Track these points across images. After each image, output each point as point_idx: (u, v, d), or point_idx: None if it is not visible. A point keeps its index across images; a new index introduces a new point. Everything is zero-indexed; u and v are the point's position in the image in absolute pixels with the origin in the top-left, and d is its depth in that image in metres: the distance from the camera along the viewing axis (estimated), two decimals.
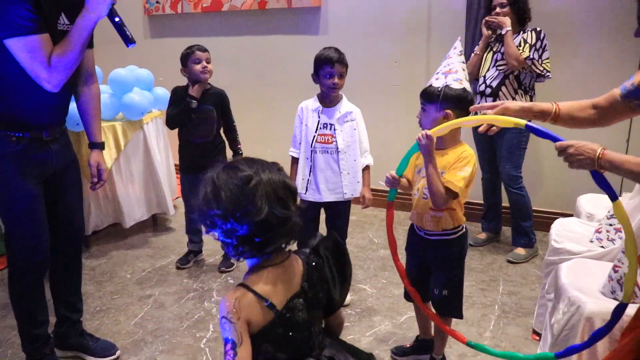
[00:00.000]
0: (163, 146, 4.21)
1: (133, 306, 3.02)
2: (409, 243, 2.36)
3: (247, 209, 1.27)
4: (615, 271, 2.09)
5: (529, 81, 3.42)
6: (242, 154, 3.43)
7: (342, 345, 1.50)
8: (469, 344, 2.13)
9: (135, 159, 3.92)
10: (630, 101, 1.77)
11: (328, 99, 2.88)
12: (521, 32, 3.39)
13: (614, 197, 1.76)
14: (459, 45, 2.27)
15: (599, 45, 3.69)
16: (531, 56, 3.29)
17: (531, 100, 3.37)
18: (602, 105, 1.88)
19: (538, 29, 3.35)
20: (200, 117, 3.25)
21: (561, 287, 2.23)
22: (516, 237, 3.62)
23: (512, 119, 1.86)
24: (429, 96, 2.17)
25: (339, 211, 2.98)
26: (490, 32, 3.47)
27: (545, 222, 3.60)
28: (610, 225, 2.56)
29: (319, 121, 2.87)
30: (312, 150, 2.87)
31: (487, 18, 3.44)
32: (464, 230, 2.23)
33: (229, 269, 3.43)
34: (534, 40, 3.31)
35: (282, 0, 4.62)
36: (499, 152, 3.50)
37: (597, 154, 1.68)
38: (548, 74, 3.35)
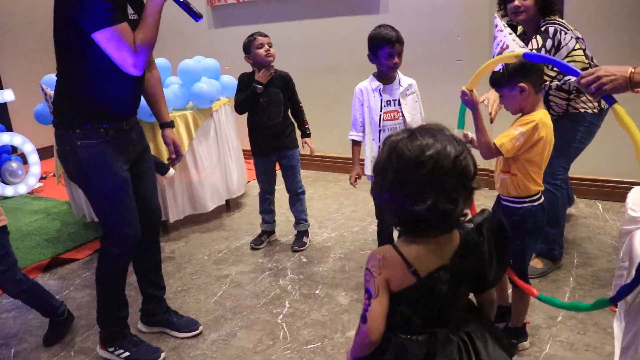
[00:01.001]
0: (232, 132, 4.34)
1: (212, 285, 3.16)
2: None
3: (411, 192, 1.28)
4: None
5: (568, 86, 2.88)
6: (310, 133, 3.51)
7: (485, 326, 1.49)
8: (539, 298, 2.13)
9: (207, 145, 4.07)
10: None
11: (387, 77, 2.89)
12: (536, 35, 2.83)
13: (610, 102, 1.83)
14: (499, 23, 2.26)
15: None
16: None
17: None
18: None
19: (551, 28, 2.78)
20: (267, 101, 3.35)
21: (635, 253, 2.19)
22: (539, 244, 2.88)
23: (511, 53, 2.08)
24: (497, 82, 2.19)
25: None
26: None
27: (621, 192, 3.50)
28: None
29: (381, 99, 2.88)
30: (379, 130, 2.89)
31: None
32: (530, 204, 2.22)
33: (302, 248, 3.53)
34: (539, 44, 2.77)
35: None
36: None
37: (629, 72, 1.74)
38: (559, 78, 2.84)
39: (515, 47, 2.19)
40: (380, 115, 2.88)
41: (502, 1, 2.99)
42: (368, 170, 2.92)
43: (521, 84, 2.11)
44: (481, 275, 1.44)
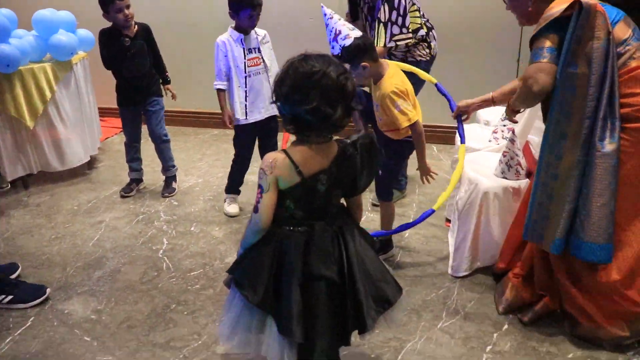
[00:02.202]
0: (91, 87, 4.32)
1: (87, 231, 3.25)
2: None
3: (301, 96, 1.58)
4: (504, 156, 2.58)
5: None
6: (170, 80, 3.70)
7: (353, 223, 1.85)
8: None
9: (70, 99, 4.02)
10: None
11: (245, 30, 3.16)
12: (383, 3, 3.16)
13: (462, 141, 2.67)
14: (326, 11, 2.60)
15: None
16: (392, 34, 3.19)
17: (427, 43, 3.36)
18: None
19: None
20: (133, 53, 3.45)
21: (463, 173, 2.70)
22: None
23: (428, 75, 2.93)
24: (349, 57, 2.49)
25: (271, 127, 3.35)
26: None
27: (453, 136, 4.08)
28: (504, 125, 3.05)
29: (244, 48, 3.16)
30: (245, 76, 3.15)
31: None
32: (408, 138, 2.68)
33: (172, 194, 3.71)
34: (387, 15, 3.15)
35: None
36: None
37: (490, 97, 2.62)
38: (412, 37, 3.23)
39: (346, 30, 2.52)
40: (245, 63, 3.14)
41: None
42: (238, 114, 3.18)
43: (363, 63, 2.48)
44: (353, 182, 1.79)
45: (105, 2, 3.36)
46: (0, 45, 3.49)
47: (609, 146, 2.00)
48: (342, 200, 1.86)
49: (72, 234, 3.23)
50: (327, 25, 2.57)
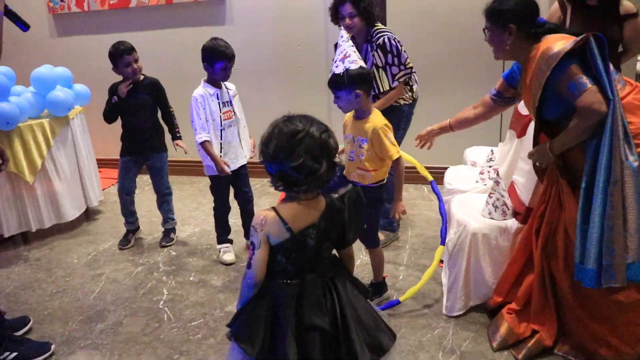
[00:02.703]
0: (88, 140, 4.43)
1: (88, 284, 3.31)
2: None
3: (287, 154, 1.67)
4: (490, 197, 2.68)
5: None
6: (180, 137, 3.79)
7: (345, 273, 1.92)
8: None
9: (66, 154, 4.13)
10: (499, 99, 2.70)
11: (217, 83, 3.30)
12: (369, 46, 3.36)
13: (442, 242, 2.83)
14: (344, 34, 2.71)
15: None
16: (393, 75, 3.34)
17: (411, 87, 3.49)
18: (481, 107, 2.86)
19: (380, 40, 3.30)
20: (136, 105, 3.58)
21: (452, 215, 2.80)
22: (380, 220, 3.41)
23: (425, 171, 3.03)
24: (336, 84, 2.57)
25: (242, 175, 3.48)
26: None
27: (441, 176, 4.19)
28: (490, 166, 3.16)
29: (219, 102, 3.29)
30: (221, 129, 3.28)
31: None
32: (382, 184, 2.73)
33: (170, 243, 3.79)
34: (383, 59, 3.31)
35: None
36: None
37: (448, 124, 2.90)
38: (412, 70, 3.39)
39: (355, 57, 2.63)
40: (220, 116, 3.27)
41: (335, 18, 3.45)
42: (208, 168, 3.36)
43: (358, 90, 2.56)
44: (342, 235, 1.87)
45: (115, 57, 3.51)
46: (1, 103, 3.60)
47: (634, 163, 2.08)
48: (335, 252, 1.95)
49: (73, 287, 3.29)
50: (339, 45, 2.64)
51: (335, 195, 1.86)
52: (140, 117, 3.63)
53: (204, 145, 3.23)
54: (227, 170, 3.24)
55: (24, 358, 2.60)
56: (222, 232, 3.55)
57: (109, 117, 3.61)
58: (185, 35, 5.06)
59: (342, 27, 2.89)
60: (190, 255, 3.62)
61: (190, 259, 3.56)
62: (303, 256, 1.80)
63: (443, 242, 2.82)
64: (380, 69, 3.34)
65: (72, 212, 4.18)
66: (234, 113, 3.34)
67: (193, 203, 4.60)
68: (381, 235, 3.52)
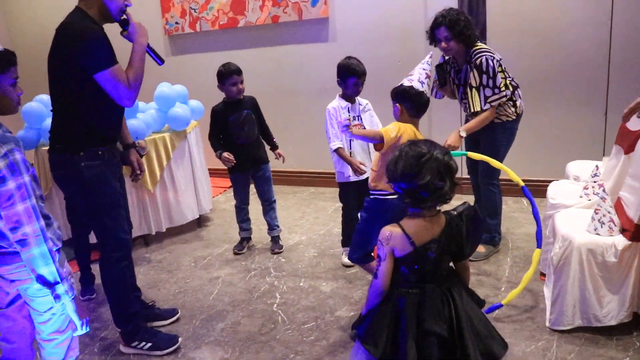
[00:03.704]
0: (202, 152, 4.79)
1: (206, 286, 3.61)
2: None
3: (415, 174, 1.87)
4: (596, 213, 2.72)
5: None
6: (277, 145, 4.04)
7: (462, 284, 2.07)
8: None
9: (182, 165, 4.50)
10: None
11: (350, 98, 3.54)
12: (468, 68, 3.43)
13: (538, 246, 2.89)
14: (427, 57, 2.83)
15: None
16: (485, 97, 3.36)
17: (513, 102, 3.50)
18: None
19: (478, 60, 3.34)
20: (243, 122, 3.86)
21: (557, 229, 2.87)
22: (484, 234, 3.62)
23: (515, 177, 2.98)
24: (391, 94, 2.78)
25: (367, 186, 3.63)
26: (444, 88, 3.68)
27: (543, 189, 4.21)
28: (595, 182, 3.19)
29: (349, 115, 3.51)
30: (350, 140, 3.51)
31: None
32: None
33: (281, 250, 4.05)
34: (478, 80, 3.35)
35: (293, 13, 5.23)
36: (482, 148, 3.53)
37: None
38: (506, 94, 3.39)
39: (415, 76, 2.73)
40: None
41: (432, 41, 3.55)
42: (346, 174, 3.58)
43: (397, 104, 2.74)
44: (459, 249, 2.02)
45: (223, 76, 3.81)
46: (131, 120, 3.98)
47: None
48: (451, 264, 2.09)
49: (193, 288, 3.59)
50: (423, 63, 2.82)
51: (454, 213, 2.02)
52: (248, 132, 3.89)
53: (337, 151, 3.47)
54: (364, 168, 3.41)
55: (157, 348, 2.90)
56: (347, 237, 3.75)
57: (214, 144, 3.92)
58: (290, 52, 5.35)
59: (432, 52, 3.02)
60: (299, 262, 3.85)
61: (299, 266, 3.79)
62: (424, 268, 1.96)
63: (539, 245, 2.89)
64: (474, 89, 3.39)
65: (186, 217, 4.54)
66: (363, 127, 3.53)
67: (298, 212, 4.85)
68: (482, 248, 3.63)
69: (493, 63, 3.34)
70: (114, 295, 2.91)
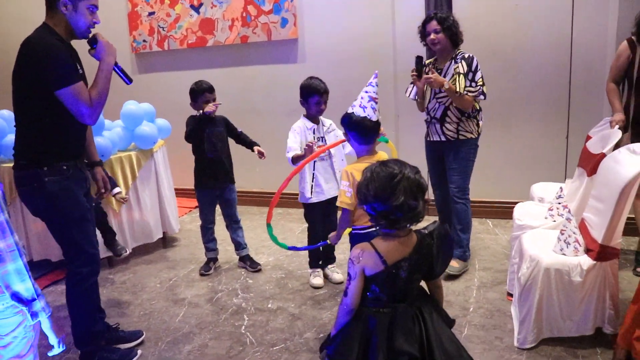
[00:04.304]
0: (168, 171, 4.73)
1: (172, 308, 3.54)
2: None
3: (389, 195, 1.85)
4: (562, 233, 2.78)
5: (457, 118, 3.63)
6: (257, 143, 3.99)
7: (432, 304, 2.06)
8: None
9: (148, 184, 4.43)
10: None
11: (315, 118, 3.56)
12: (452, 61, 3.61)
13: None
14: (371, 78, 2.75)
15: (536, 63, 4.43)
16: (466, 86, 3.51)
17: (477, 120, 3.66)
18: None
19: (467, 55, 3.56)
20: (216, 138, 3.84)
21: (524, 250, 2.91)
22: (455, 249, 3.71)
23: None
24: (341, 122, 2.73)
25: (332, 207, 3.66)
26: (419, 80, 3.64)
27: (507, 211, 4.29)
28: (559, 203, 3.25)
29: (314, 136, 3.53)
30: (315, 161, 3.49)
31: (424, 77, 3.54)
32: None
33: (258, 267, 4.04)
34: (465, 69, 3.53)
35: (262, 34, 5.24)
36: (450, 165, 3.69)
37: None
38: (481, 95, 3.56)
39: (357, 101, 2.66)
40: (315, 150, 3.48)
41: (423, 36, 3.71)
42: (307, 193, 3.58)
43: (347, 133, 2.69)
44: (431, 267, 2.03)
45: (196, 93, 3.80)
46: (97, 137, 3.91)
47: None
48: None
49: (159, 310, 3.52)
50: (367, 85, 2.72)
51: (425, 231, 2.02)
52: (219, 148, 3.87)
53: (294, 159, 3.40)
54: (314, 147, 3.35)
55: None
56: (314, 257, 3.77)
57: (191, 135, 3.81)
58: (259, 72, 5.35)
59: (376, 73, 3.03)
60: (267, 283, 3.80)
61: (267, 287, 3.75)
62: (395, 287, 1.95)
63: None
64: (461, 75, 3.53)
65: (151, 237, 4.47)
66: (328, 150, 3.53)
67: (264, 233, 4.80)
68: (456, 263, 3.70)
69: (477, 62, 3.57)
70: (78, 313, 2.84)
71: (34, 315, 1.85)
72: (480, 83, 3.55)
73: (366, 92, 2.68)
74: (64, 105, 2.54)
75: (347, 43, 5.00)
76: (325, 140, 3.58)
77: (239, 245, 4.09)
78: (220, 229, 4.14)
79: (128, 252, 3.98)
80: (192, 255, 4.40)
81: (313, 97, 3.49)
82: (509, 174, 4.69)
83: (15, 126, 2.68)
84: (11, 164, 2.73)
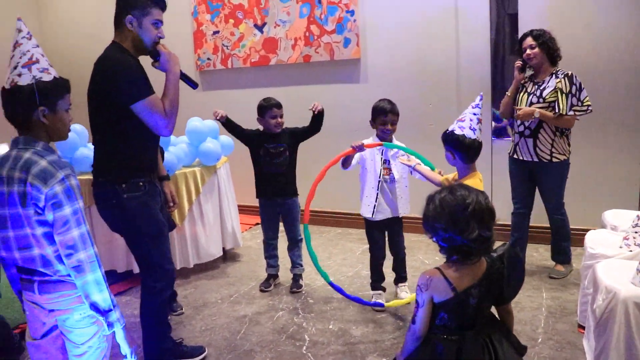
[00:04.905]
0: (231, 188, 4.78)
1: (233, 324, 3.55)
2: None
3: (462, 228, 1.79)
4: None
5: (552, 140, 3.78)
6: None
7: (502, 331, 1.99)
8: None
9: (211, 200, 4.49)
10: None
11: (385, 140, 3.52)
12: (553, 76, 3.74)
13: None
14: (477, 100, 2.81)
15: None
16: (571, 105, 3.65)
17: (568, 139, 3.82)
18: None
19: (569, 73, 3.69)
20: (276, 154, 3.86)
21: (599, 281, 2.78)
22: (556, 256, 4.04)
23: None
24: (442, 139, 2.79)
25: (396, 227, 3.68)
26: (522, 74, 3.88)
27: (577, 238, 4.15)
28: (636, 232, 3.11)
29: (382, 158, 3.51)
30: (379, 181, 3.50)
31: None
32: None
33: (300, 290, 4.01)
34: (568, 87, 3.64)
35: (325, 54, 5.27)
36: (544, 185, 3.88)
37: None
38: (589, 109, 3.70)
39: (467, 123, 2.74)
40: (381, 170, 3.51)
41: (520, 52, 3.88)
42: (366, 213, 3.60)
43: (449, 152, 2.74)
44: (500, 293, 1.96)
45: (265, 109, 3.84)
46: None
47: None
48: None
49: (220, 326, 3.53)
50: (474, 107, 2.79)
51: (495, 255, 1.95)
52: (278, 163, 3.88)
53: (343, 161, 3.51)
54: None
55: None
56: (376, 279, 3.73)
57: (240, 135, 3.97)
58: (321, 91, 5.36)
59: (481, 95, 3.04)
60: (327, 304, 3.77)
61: (328, 307, 3.72)
62: (464, 314, 1.90)
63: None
64: (564, 94, 3.67)
65: (212, 254, 4.50)
66: (391, 171, 3.54)
67: (324, 253, 4.79)
68: (561, 268, 4.01)
69: (580, 80, 3.71)
70: (150, 328, 2.88)
71: (110, 325, 1.89)
72: (588, 103, 3.69)
73: (474, 114, 2.75)
74: (139, 120, 2.60)
75: (410, 63, 4.97)
76: (389, 164, 3.55)
77: (293, 263, 4.08)
78: (283, 247, 4.14)
79: (182, 312, 3.86)
80: (253, 272, 4.42)
81: (380, 116, 3.49)
82: (579, 199, 4.52)
83: (93, 144, 2.76)
84: (87, 176, 2.80)
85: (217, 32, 5.86)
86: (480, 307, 1.91)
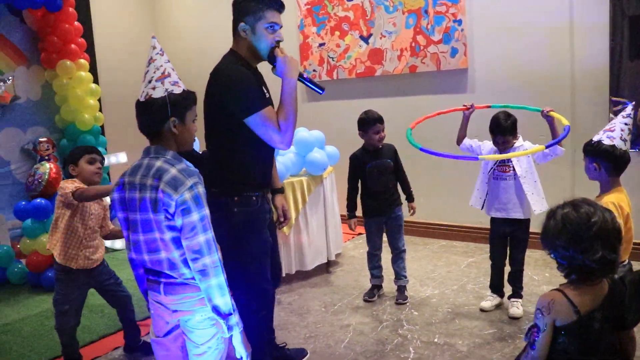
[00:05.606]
0: (335, 198, 4.83)
1: (337, 333, 3.57)
2: None
3: (585, 248, 1.70)
4: None
5: None
6: (414, 198, 4.00)
7: (622, 357, 1.88)
8: None
9: (316, 209, 4.56)
10: None
11: None
12: None
13: None
14: (628, 109, 2.65)
15: None
16: None
17: None
18: None
19: None
20: (380, 171, 3.86)
21: None
22: None
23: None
24: (584, 149, 2.65)
25: (520, 234, 3.67)
26: None
27: None
28: None
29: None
30: (489, 177, 3.66)
31: None
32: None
33: (405, 301, 3.95)
34: None
35: (431, 64, 5.23)
36: None
37: None
38: None
39: (618, 133, 2.58)
40: (493, 167, 3.63)
41: None
42: (475, 203, 3.72)
43: (595, 163, 2.57)
44: (622, 317, 1.83)
45: (367, 123, 3.85)
46: None
47: None
48: None
49: (324, 334, 3.57)
50: (616, 117, 2.70)
51: (616, 277, 1.84)
52: (384, 181, 3.89)
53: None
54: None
55: None
56: (495, 283, 3.79)
57: (350, 180, 4.01)
58: (427, 102, 5.31)
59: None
60: (432, 317, 3.72)
61: (433, 320, 3.66)
62: (587, 339, 1.79)
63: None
64: None
65: (315, 262, 4.57)
66: (513, 169, 3.56)
67: (429, 265, 4.73)
68: None
69: None
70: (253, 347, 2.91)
71: (229, 328, 1.96)
72: None
73: (625, 123, 2.62)
74: (254, 133, 2.53)
75: (520, 72, 4.81)
76: (511, 161, 3.57)
77: (396, 275, 4.05)
78: (386, 257, 4.12)
79: None
80: (356, 282, 4.43)
81: (497, 136, 3.58)
82: None
83: (207, 154, 2.75)
84: None
85: (323, 44, 5.96)
86: (602, 332, 1.80)
